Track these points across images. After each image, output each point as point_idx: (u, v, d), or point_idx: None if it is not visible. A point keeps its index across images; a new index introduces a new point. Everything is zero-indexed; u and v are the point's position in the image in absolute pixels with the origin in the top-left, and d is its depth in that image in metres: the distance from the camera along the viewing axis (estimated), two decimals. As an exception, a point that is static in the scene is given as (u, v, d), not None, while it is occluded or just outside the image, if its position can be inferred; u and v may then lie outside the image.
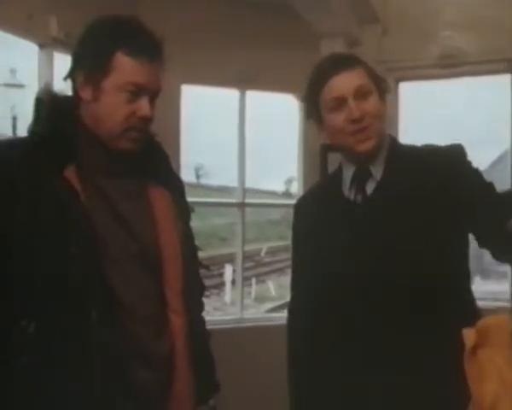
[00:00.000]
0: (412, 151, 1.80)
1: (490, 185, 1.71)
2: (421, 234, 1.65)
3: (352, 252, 1.71)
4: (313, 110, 1.80)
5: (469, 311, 1.69)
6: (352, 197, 1.76)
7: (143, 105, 1.61)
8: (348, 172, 1.79)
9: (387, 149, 1.78)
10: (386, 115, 1.78)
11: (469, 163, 1.74)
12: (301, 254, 1.90)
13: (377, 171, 1.75)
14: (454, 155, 1.74)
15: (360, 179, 1.76)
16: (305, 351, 1.82)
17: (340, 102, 1.71)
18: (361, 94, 1.71)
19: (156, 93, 1.65)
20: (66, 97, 1.67)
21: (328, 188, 1.88)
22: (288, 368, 1.89)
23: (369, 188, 1.75)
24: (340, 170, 1.84)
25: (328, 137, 1.80)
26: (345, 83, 1.71)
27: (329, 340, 1.75)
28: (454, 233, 1.68)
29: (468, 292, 1.77)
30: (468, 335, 1.40)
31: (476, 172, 1.73)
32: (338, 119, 1.72)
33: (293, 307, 1.92)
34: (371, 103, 1.72)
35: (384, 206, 1.71)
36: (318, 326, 1.78)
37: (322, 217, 1.81)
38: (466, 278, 1.77)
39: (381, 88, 1.77)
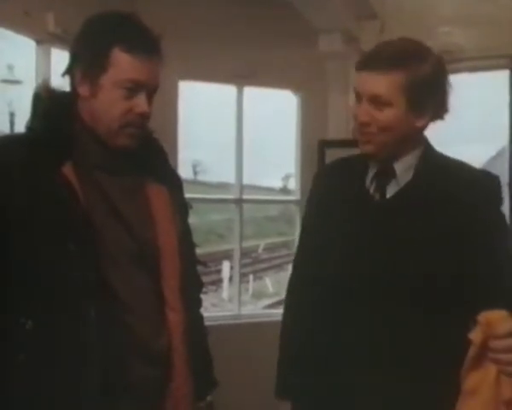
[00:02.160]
0: (445, 165, 1.73)
1: (505, 238, 1.69)
2: (429, 248, 1.63)
3: (357, 249, 1.70)
4: None
5: (471, 312, 1.66)
6: (371, 191, 1.74)
7: (141, 102, 1.60)
8: (374, 166, 1.75)
9: (420, 156, 1.71)
10: (412, 128, 1.66)
11: (499, 201, 1.71)
12: (307, 241, 1.89)
13: (403, 176, 1.70)
14: (487, 186, 1.69)
15: (382, 178, 1.72)
16: (300, 346, 1.82)
17: (359, 97, 1.67)
18: (376, 102, 1.63)
19: (154, 89, 1.65)
20: (64, 93, 1.67)
21: (352, 172, 1.81)
22: (279, 361, 1.89)
23: (390, 190, 1.71)
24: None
25: None
26: (364, 83, 1.65)
27: (327, 336, 1.74)
28: (461, 257, 1.63)
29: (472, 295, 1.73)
30: (475, 335, 1.41)
31: (500, 218, 1.70)
32: (354, 110, 1.69)
33: (290, 300, 1.93)
34: (383, 115, 1.63)
35: (401, 213, 1.68)
36: (314, 322, 1.77)
37: (337, 200, 1.79)
38: (470, 290, 1.67)
39: (418, 100, 1.63)
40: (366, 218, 1.71)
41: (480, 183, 1.70)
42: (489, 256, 1.65)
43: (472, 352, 1.43)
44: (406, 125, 1.65)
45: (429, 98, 1.65)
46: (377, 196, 1.73)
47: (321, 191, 1.88)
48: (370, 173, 1.75)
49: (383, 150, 1.68)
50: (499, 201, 1.72)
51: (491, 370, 1.42)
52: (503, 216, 1.72)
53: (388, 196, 1.72)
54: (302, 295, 1.85)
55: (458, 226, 1.64)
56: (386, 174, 1.72)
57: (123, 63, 1.58)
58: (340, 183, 1.82)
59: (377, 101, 1.63)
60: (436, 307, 1.63)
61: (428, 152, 1.75)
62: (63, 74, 1.66)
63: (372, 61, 1.65)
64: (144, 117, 1.63)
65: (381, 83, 1.62)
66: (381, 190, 1.72)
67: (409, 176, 1.71)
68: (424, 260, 1.63)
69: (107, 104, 1.59)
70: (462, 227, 1.63)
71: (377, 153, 1.69)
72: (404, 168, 1.71)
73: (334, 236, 1.75)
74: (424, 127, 1.70)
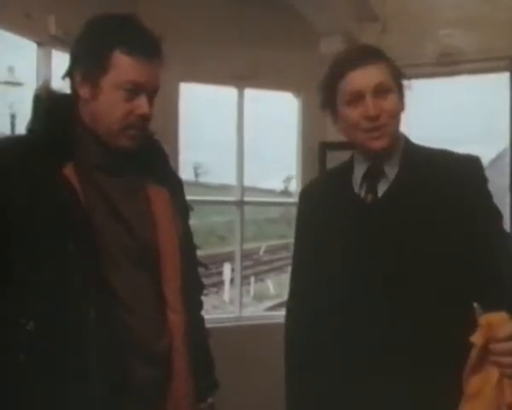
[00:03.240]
0: (427, 155, 1.75)
1: (497, 216, 1.70)
2: (429, 240, 1.63)
3: (357, 250, 1.70)
4: (329, 100, 1.77)
5: (470, 313, 1.67)
6: (362, 195, 1.74)
7: (142, 103, 1.60)
8: (360, 168, 1.76)
9: (402, 149, 1.74)
10: (401, 114, 1.74)
11: (484, 181, 1.72)
12: (304, 245, 1.88)
13: (391, 171, 1.72)
14: (471, 169, 1.71)
15: (372, 178, 1.73)
16: (304, 347, 1.81)
17: (358, 97, 1.67)
18: (380, 91, 1.67)
19: (155, 91, 1.65)
20: (65, 95, 1.67)
21: (337, 180, 1.83)
22: (285, 364, 1.88)
23: (381, 187, 1.72)
24: (351, 162, 1.81)
25: (341, 129, 1.77)
26: (365, 78, 1.67)
27: (328, 338, 1.74)
28: (459, 242, 1.64)
29: (471, 293, 1.74)
30: (477, 338, 1.41)
31: (487, 197, 1.71)
32: (354, 113, 1.68)
33: (292, 303, 1.91)
34: (389, 102, 1.68)
35: (395, 209, 1.69)
36: (317, 323, 1.77)
37: (330, 210, 1.79)
38: (469, 280, 1.73)
39: (402, 86, 1.74)
40: (365, 221, 1.71)
41: (464, 166, 1.71)
42: (486, 240, 1.66)
43: (474, 355, 1.43)
44: (401, 111, 1.73)
45: (402, 83, 1.75)
46: (370, 198, 1.73)
47: (310, 208, 1.87)
48: (357, 176, 1.76)
49: (393, 141, 1.71)
50: (485, 180, 1.73)
51: (493, 372, 1.42)
52: (490, 195, 1.73)
53: (380, 194, 1.72)
54: (304, 299, 1.84)
55: (453, 212, 1.65)
56: (375, 173, 1.73)
57: (123, 65, 1.58)
58: (329, 195, 1.82)
59: (382, 89, 1.67)
60: (440, 306, 1.63)
61: (408, 144, 1.77)
62: (64, 77, 1.67)
63: (366, 56, 1.70)
64: (145, 118, 1.63)
65: (380, 71, 1.69)
66: (373, 190, 1.73)
67: (395, 170, 1.72)
68: (427, 255, 1.63)
69: (108, 106, 1.59)
70: (457, 213, 1.64)
71: (389, 145, 1.70)
72: (390, 163, 1.73)
73: (334, 245, 1.74)
74: None
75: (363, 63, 1.68)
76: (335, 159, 1.91)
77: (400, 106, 1.73)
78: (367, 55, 1.70)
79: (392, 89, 1.70)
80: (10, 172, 1.53)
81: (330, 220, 1.77)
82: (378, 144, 1.69)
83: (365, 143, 1.70)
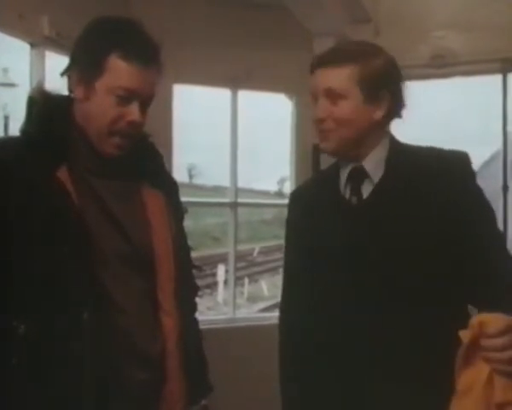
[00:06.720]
0: (413, 153, 1.74)
1: (488, 212, 1.69)
2: (416, 239, 1.62)
3: (345, 253, 1.69)
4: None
5: (463, 312, 1.68)
6: (347, 197, 1.73)
7: (133, 110, 1.59)
8: (344, 171, 1.75)
9: (388, 149, 1.73)
10: (370, 121, 1.68)
11: (471, 176, 1.70)
12: (294, 251, 1.88)
13: (376, 172, 1.71)
14: (458, 165, 1.70)
15: (355, 180, 1.72)
16: (297, 351, 1.82)
17: (315, 98, 1.70)
18: (332, 96, 1.66)
19: (149, 99, 1.64)
20: (59, 96, 1.67)
21: (324, 183, 1.83)
22: (280, 369, 1.88)
23: (366, 189, 1.71)
24: (337, 165, 1.80)
25: None
26: (318, 80, 1.68)
27: (321, 341, 1.74)
28: (448, 241, 1.63)
29: (462, 294, 1.75)
30: (464, 334, 1.41)
31: (478, 193, 1.69)
32: (313, 112, 1.72)
33: (285, 307, 1.91)
34: (339, 108, 1.66)
35: (380, 209, 1.68)
36: (310, 327, 1.77)
37: (317, 214, 1.78)
38: (460, 280, 1.74)
39: (372, 92, 1.66)
40: (351, 223, 1.70)
41: (452, 164, 1.70)
42: (474, 238, 1.64)
43: (461, 350, 1.43)
44: (363, 118, 1.68)
45: (383, 90, 1.68)
46: (354, 200, 1.72)
47: (300, 214, 1.87)
48: (342, 179, 1.75)
49: (343, 146, 1.70)
50: (472, 175, 1.71)
51: (483, 369, 1.42)
52: (478, 190, 1.71)
53: (365, 196, 1.71)
54: (296, 303, 1.84)
55: (439, 210, 1.63)
56: (358, 175, 1.72)
57: (118, 70, 1.57)
58: (317, 199, 1.81)
59: (332, 94, 1.66)
60: (431, 306, 1.63)
61: (394, 144, 1.76)
62: (61, 75, 1.66)
63: (325, 59, 1.69)
64: (134, 126, 1.61)
65: (334, 76, 1.66)
66: (357, 192, 1.72)
67: (381, 171, 1.71)
68: (414, 254, 1.62)
69: (99, 108, 1.58)
70: (443, 211, 1.63)
71: (337, 149, 1.70)
72: (374, 165, 1.71)
73: (323, 248, 1.73)
74: (383, 121, 1.72)
75: (324, 65, 1.67)
76: (329, 160, 1.90)
77: (360, 113, 1.67)
78: (335, 56, 1.69)
79: (349, 95, 1.65)
80: (3, 173, 1.52)
81: (319, 224, 1.76)
82: (323, 146, 1.72)
83: (319, 142, 1.74)
